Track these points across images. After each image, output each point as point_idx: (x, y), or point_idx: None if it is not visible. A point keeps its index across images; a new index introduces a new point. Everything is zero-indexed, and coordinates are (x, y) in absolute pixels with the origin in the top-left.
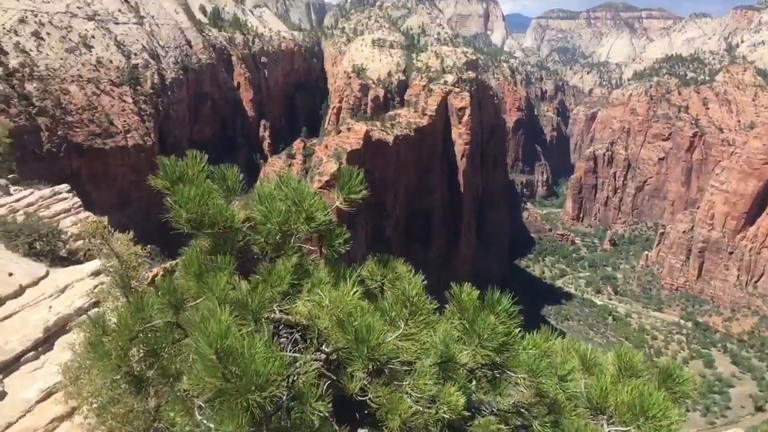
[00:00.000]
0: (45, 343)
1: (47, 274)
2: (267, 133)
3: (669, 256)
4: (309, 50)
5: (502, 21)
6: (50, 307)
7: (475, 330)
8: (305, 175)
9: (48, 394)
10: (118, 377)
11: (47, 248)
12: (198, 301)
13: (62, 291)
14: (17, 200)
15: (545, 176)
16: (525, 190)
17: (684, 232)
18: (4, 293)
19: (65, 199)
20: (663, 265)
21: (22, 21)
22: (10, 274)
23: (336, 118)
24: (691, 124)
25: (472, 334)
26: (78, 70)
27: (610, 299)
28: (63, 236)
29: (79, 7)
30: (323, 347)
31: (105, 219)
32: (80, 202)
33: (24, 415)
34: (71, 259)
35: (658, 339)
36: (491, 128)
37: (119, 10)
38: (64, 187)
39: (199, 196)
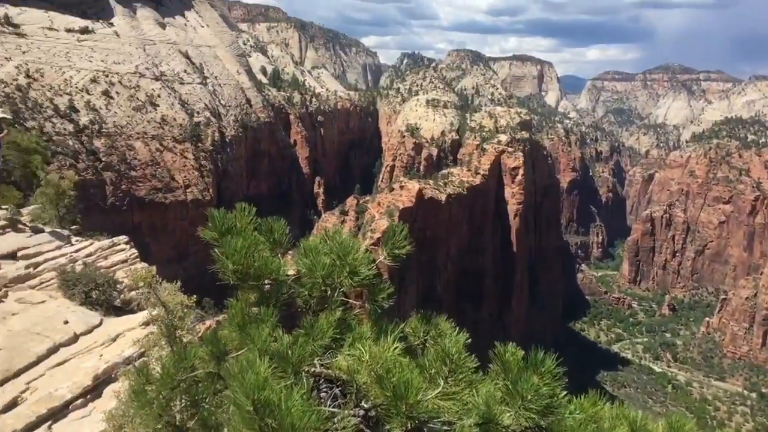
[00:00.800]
0: (94, 390)
1: (101, 322)
2: (321, 190)
3: (731, 323)
4: (364, 109)
5: (557, 82)
6: (101, 356)
7: (518, 391)
8: (357, 231)
9: None
10: (160, 426)
11: (102, 298)
12: (240, 352)
13: (113, 340)
14: (77, 250)
15: (600, 237)
16: (579, 251)
17: (747, 298)
18: (58, 340)
19: (123, 250)
20: (725, 333)
21: (93, 81)
22: (66, 322)
23: (389, 176)
24: (753, 187)
25: (515, 395)
26: (143, 127)
27: (670, 366)
28: (118, 286)
29: (147, 68)
30: (362, 403)
31: (153, 269)
32: (137, 254)
33: None
34: (125, 308)
35: (720, 410)
36: (545, 188)
37: (185, 71)
38: (123, 238)
39: (245, 247)
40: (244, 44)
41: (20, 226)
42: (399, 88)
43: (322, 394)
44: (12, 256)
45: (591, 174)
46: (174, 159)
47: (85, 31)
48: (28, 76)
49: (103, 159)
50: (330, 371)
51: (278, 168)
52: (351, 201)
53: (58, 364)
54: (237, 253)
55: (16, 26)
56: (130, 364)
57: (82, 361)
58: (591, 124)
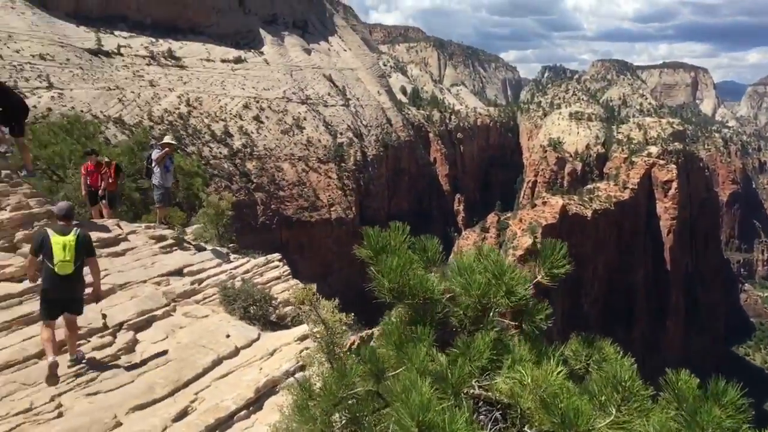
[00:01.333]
0: (255, 402)
1: (259, 337)
2: (461, 207)
3: None
4: (504, 125)
5: (713, 89)
6: (260, 369)
7: (697, 422)
8: (499, 248)
9: None
10: None
11: (260, 313)
12: (398, 371)
13: (271, 354)
14: (235, 267)
15: (766, 255)
16: (742, 269)
17: None
18: (222, 353)
19: (276, 267)
20: None
21: (246, 107)
22: (227, 336)
23: (531, 192)
24: None
25: (693, 427)
26: (291, 149)
27: None
28: (273, 302)
29: (294, 93)
30: (525, 428)
31: (313, 286)
32: (290, 271)
33: None
34: (280, 323)
35: None
36: (701, 202)
37: (329, 94)
38: (276, 256)
39: (400, 266)
40: (385, 65)
41: (185, 244)
42: (540, 102)
43: (482, 417)
44: (179, 272)
45: (754, 186)
46: (319, 179)
47: (238, 60)
48: (188, 104)
49: (255, 180)
50: (489, 394)
51: (418, 186)
52: (492, 218)
53: (222, 377)
54: (393, 271)
55: (177, 59)
56: (288, 378)
57: (244, 374)
58: (753, 132)
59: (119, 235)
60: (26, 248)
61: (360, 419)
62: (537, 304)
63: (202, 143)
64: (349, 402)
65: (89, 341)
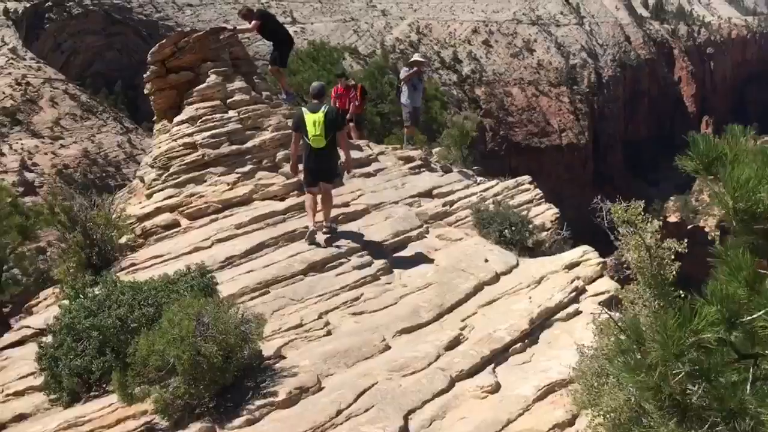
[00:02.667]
0: (529, 335)
1: (518, 263)
2: (710, 130)
3: None
4: (765, 37)
5: None
6: (530, 298)
7: None
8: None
9: (544, 393)
10: (654, 398)
11: (517, 237)
12: (753, 316)
13: (538, 282)
14: (485, 189)
15: None
16: None
17: None
18: (482, 278)
19: (527, 190)
20: None
21: (474, 31)
22: (486, 261)
23: None
24: None
25: None
26: (520, 73)
27: None
28: (530, 226)
29: (524, 14)
30: None
31: (640, 204)
32: (541, 194)
33: (522, 414)
34: (536, 250)
35: None
36: None
37: (561, 13)
38: (526, 178)
39: (753, 178)
40: None
41: (432, 165)
42: None
43: None
44: (428, 194)
45: None
46: (549, 103)
47: None
48: (418, 32)
49: (483, 106)
50: None
51: (660, 108)
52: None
53: (487, 303)
54: (742, 187)
55: None
56: (561, 311)
57: (511, 303)
58: None
59: (370, 155)
60: (287, 167)
61: (709, 375)
62: None
63: (432, 70)
64: (694, 353)
65: (349, 260)
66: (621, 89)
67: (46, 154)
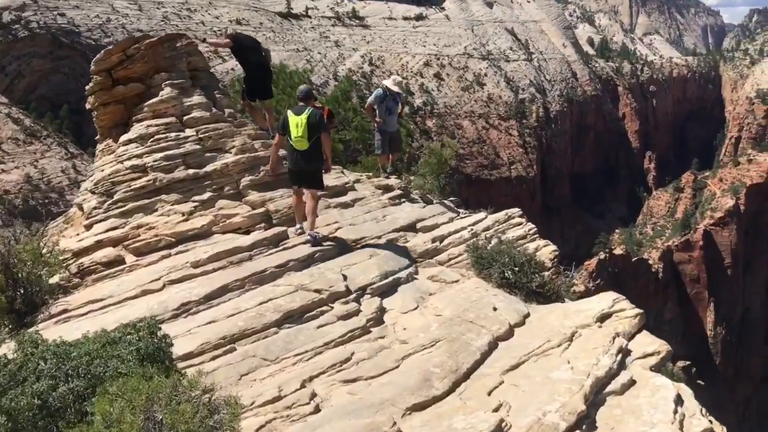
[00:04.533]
0: (586, 417)
1: (528, 312)
2: (652, 165)
3: None
4: (704, 76)
5: None
6: (569, 363)
7: None
8: (695, 210)
9: None
10: None
11: (523, 280)
12: None
13: (570, 340)
14: (473, 223)
15: None
16: None
17: None
18: (495, 332)
19: (519, 224)
20: None
21: (426, 64)
22: (495, 309)
23: (734, 149)
24: None
25: None
26: (471, 106)
27: None
28: (535, 266)
29: (474, 48)
30: None
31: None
32: (535, 228)
33: None
34: (543, 294)
35: None
36: None
37: (511, 48)
38: (516, 211)
39: None
40: (570, 15)
41: (413, 196)
42: (747, 50)
43: None
44: (412, 227)
45: None
46: (499, 136)
47: (419, 17)
48: (371, 63)
49: (434, 138)
50: None
51: (605, 143)
52: (687, 177)
53: (512, 368)
54: None
55: (361, 18)
56: (611, 381)
57: (545, 368)
58: None
59: (346, 183)
60: (252, 195)
61: None
62: None
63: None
64: None
65: (332, 307)
66: (568, 124)
67: None
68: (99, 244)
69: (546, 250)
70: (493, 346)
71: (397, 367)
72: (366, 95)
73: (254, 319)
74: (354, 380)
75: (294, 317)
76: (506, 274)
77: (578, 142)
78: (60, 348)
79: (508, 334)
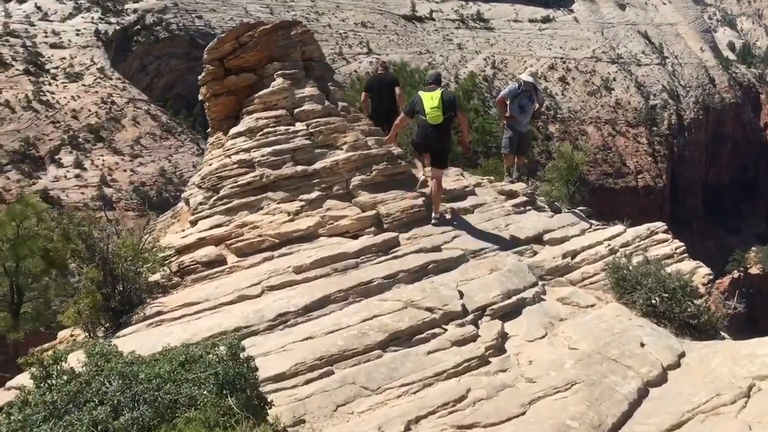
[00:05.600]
0: None
1: (683, 352)
2: None
3: None
4: None
5: None
6: (750, 430)
7: None
8: None
9: None
10: None
11: (676, 311)
12: None
13: (747, 395)
14: (611, 237)
15: None
16: None
17: None
18: (645, 375)
19: (665, 241)
20: None
21: (551, 68)
22: (642, 345)
23: None
24: None
25: None
26: (597, 111)
27: None
28: (690, 293)
29: (603, 52)
30: None
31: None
32: (684, 247)
33: None
34: (700, 328)
35: None
36: None
37: (643, 52)
38: (661, 225)
39: None
40: (710, 18)
41: (539, 203)
42: None
43: None
44: (538, 239)
45: None
46: (626, 143)
47: (546, 20)
48: (493, 66)
49: (556, 144)
50: None
51: (743, 154)
52: None
53: (674, 428)
54: None
55: (485, 21)
56: None
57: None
58: None
59: (465, 186)
60: (363, 196)
61: None
62: None
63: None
64: None
65: (445, 329)
66: (703, 132)
67: (125, 171)
68: (201, 242)
69: (698, 274)
70: (642, 393)
71: (523, 413)
72: (487, 98)
73: (356, 339)
74: (470, 427)
75: (401, 339)
76: (653, 301)
77: (714, 151)
78: (128, 368)
79: (661, 379)
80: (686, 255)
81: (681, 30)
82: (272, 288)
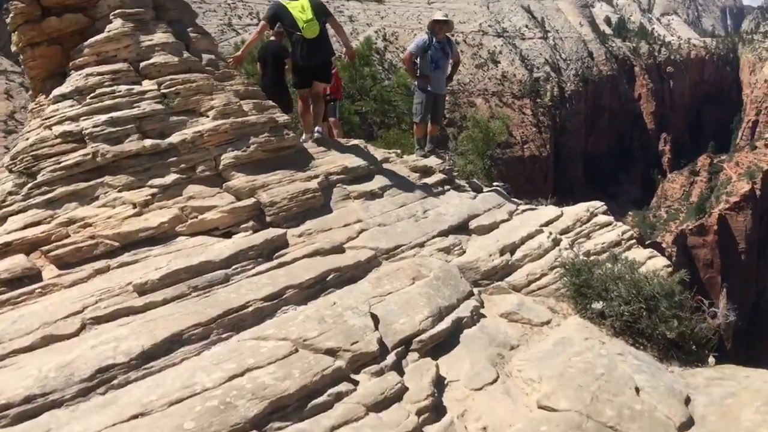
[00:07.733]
0: None
1: (689, 396)
2: (667, 147)
3: None
4: (722, 58)
5: None
6: None
7: None
8: (710, 194)
9: None
10: None
11: (659, 330)
12: None
13: None
14: (547, 223)
15: None
16: None
17: None
18: None
19: (608, 224)
20: None
21: None
22: (636, 391)
23: (750, 132)
24: None
25: None
26: (485, 84)
27: None
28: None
29: (490, 25)
30: None
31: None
32: (631, 231)
33: None
34: (685, 348)
35: None
36: None
37: (526, 26)
38: (599, 206)
39: None
40: None
41: (457, 181)
42: (767, 32)
43: None
44: (463, 228)
45: None
46: (512, 115)
47: None
48: (384, 39)
49: (447, 116)
50: None
51: (620, 124)
52: (703, 160)
53: None
54: None
55: None
56: None
57: None
58: None
59: (370, 165)
60: (238, 179)
61: None
62: None
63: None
64: None
65: (355, 384)
66: (583, 103)
67: None
68: (7, 249)
69: (653, 265)
70: None
71: None
72: (379, 71)
73: (216, 416)
74: None
75: (289, 409)
76: (628, 317)
77: (593, 122)
78: None
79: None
80: (634, 241)
81: (561, 5)
82: (98, 320)
